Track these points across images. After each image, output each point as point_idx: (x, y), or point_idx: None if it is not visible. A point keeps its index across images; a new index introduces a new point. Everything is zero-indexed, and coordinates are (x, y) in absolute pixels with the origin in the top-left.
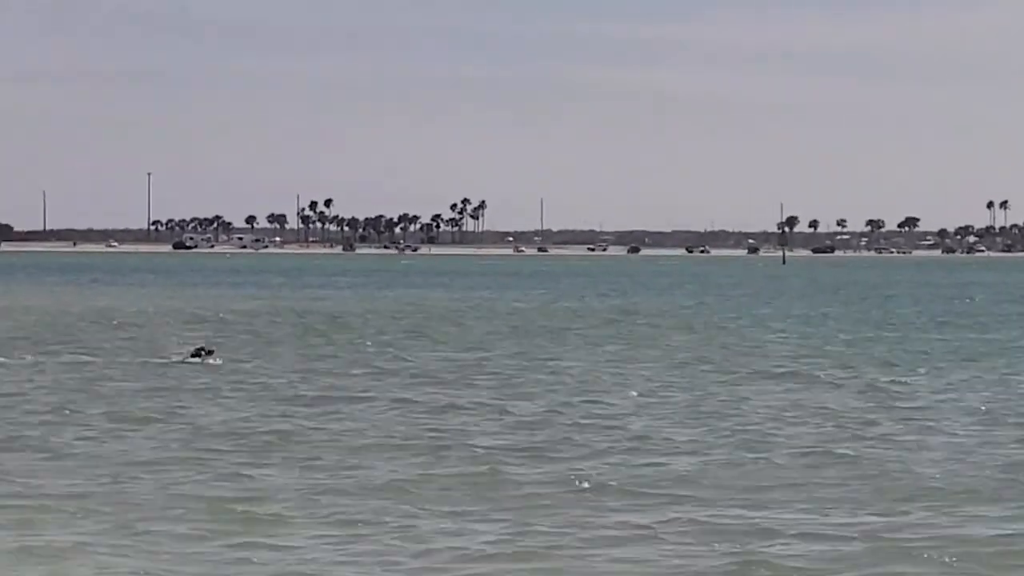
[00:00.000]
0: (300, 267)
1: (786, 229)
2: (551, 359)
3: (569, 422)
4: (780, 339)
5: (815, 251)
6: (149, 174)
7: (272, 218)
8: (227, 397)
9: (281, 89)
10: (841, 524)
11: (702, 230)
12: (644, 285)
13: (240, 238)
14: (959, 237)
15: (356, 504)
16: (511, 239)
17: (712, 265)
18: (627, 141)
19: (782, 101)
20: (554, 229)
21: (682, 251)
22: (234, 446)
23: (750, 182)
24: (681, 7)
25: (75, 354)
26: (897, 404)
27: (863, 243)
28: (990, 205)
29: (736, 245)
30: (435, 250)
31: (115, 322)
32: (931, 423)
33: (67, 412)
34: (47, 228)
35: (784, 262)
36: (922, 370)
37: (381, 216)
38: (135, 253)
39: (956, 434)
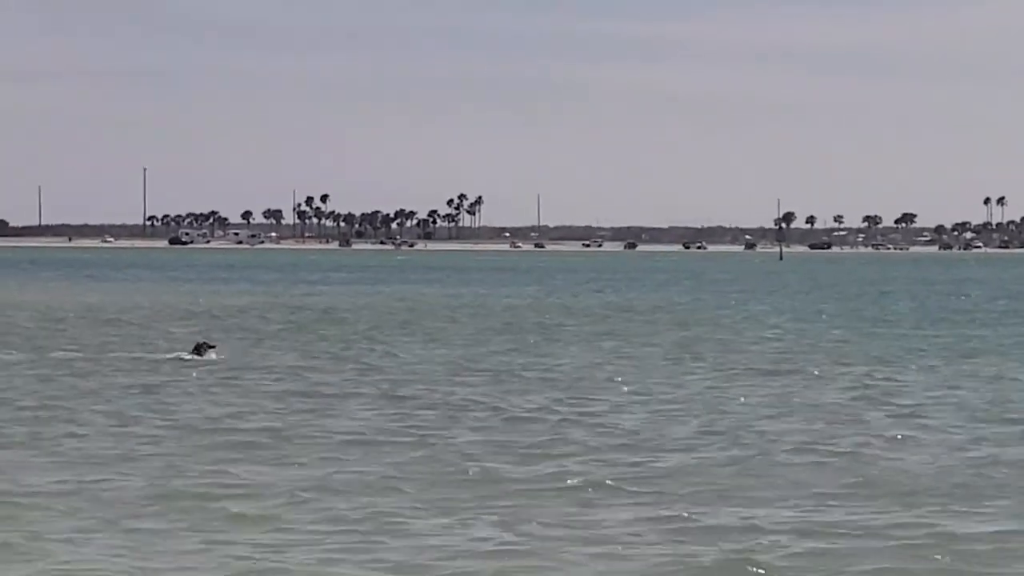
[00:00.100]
0: (295, 263)
1: (783, 225)
2: (544, 355)
3: (561, 419)
4: (775, 335)
5: (812, 247)
6: (145, 169)
7: (268, 214)
8: (217, 393)
9: (281, 89)
10: (834, 521)
11: (699, 226)
12: (640, 281)
13: (236, 233)
14: (956, 233)
15: (345, 501)
16: (507, 235)
17: (709, 261)
18: (624, 138)
19: (781, 100)
20: (551, 225)
21: (679, 247)
22: (223, 442)
23: (747, 178)
24: (681, 6)
25: (66, 350)
26: (892, 401)
27: (860, 239)
28: (987, 201)
29: (733, 241)
30: (431, 246)
31: (107, 318)
32: (925, 420)
33: (57, 408)
34: (42, 224)
35: (781, 258)
36: (917, 367)
37: (377, 212)
38: (131, 248)
39: (951, 431)
